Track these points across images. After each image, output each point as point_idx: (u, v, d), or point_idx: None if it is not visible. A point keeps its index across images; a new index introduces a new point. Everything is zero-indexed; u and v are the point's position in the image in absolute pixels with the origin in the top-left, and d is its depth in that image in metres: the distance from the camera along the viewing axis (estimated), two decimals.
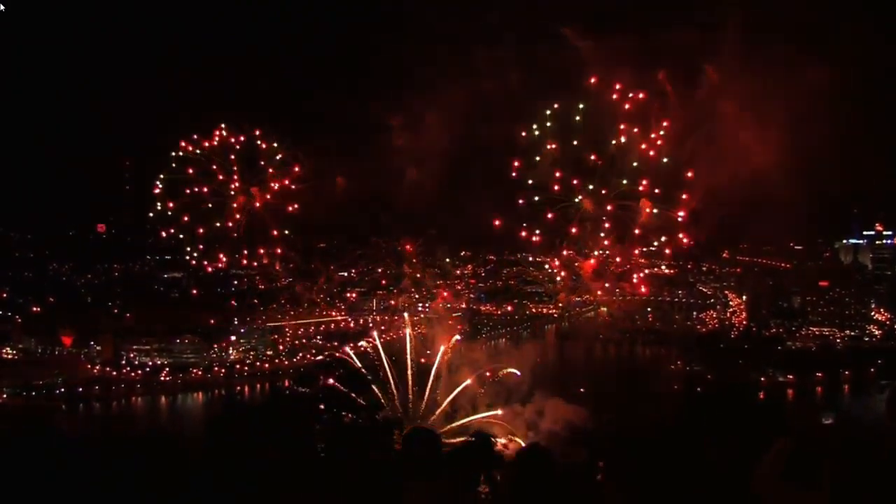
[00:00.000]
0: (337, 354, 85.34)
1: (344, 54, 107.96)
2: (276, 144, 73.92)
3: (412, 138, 78.97)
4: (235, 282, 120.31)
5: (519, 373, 68.50)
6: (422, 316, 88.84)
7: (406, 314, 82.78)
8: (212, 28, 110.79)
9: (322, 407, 71.72)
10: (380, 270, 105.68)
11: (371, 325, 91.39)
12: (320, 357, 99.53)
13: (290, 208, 74.08)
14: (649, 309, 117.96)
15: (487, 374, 67.88)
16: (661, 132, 53.92)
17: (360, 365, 71.30)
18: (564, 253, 67.21)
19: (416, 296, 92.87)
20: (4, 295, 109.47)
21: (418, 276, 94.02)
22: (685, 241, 58.17)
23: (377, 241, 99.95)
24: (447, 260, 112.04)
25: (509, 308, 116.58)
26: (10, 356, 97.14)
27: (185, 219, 70.93)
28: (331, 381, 77.08)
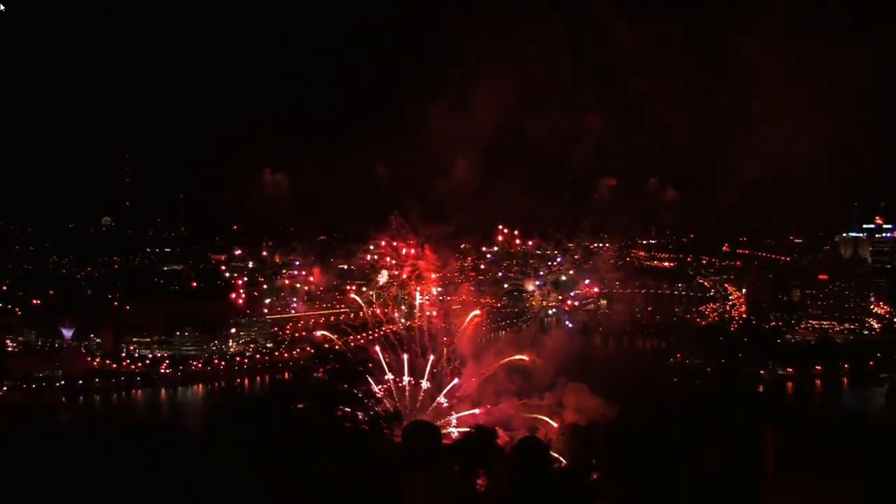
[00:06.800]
0: (337, 347, 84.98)
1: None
2: None
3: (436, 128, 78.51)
4: (235, 274, 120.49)
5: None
6: (425, 308, 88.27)
7: (417, 303, 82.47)
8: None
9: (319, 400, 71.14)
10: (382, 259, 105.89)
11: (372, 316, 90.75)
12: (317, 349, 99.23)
13: None
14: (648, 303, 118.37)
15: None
16: None
17: (359, 358, 70.83)
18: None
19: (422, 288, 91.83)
20: (5, 288, 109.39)
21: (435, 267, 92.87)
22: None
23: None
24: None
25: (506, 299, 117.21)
26: (10, 349, 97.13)
27: None
28: (327, 374, 76.81)
